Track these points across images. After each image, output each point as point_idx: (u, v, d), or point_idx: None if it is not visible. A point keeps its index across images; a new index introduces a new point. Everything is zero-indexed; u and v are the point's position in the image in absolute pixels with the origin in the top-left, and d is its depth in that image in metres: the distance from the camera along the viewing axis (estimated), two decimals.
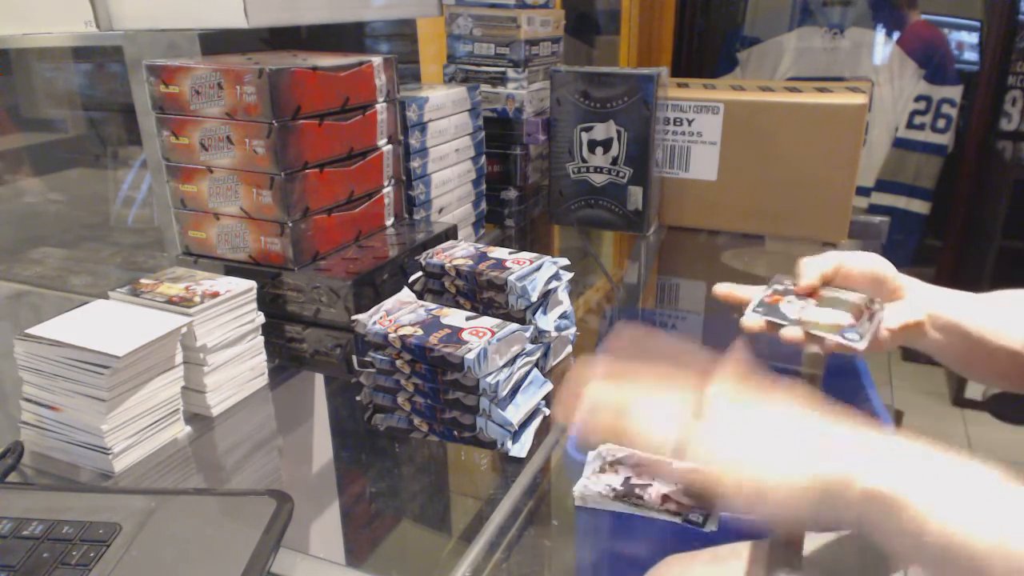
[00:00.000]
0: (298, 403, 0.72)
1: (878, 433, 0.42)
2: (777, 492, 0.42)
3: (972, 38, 2.25)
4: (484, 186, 1.12)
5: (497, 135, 1.15)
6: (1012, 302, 0.60)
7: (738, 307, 0.62)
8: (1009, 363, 0.57)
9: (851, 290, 0.62)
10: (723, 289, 0.62)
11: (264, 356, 0.71)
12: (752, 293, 0.62)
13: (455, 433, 0.61)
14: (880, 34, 2.15)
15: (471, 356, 0.56)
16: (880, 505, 0.39)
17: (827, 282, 0.62)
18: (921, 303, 0.59)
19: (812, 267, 0.61)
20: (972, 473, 0.40)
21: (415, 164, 0.93)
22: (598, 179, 1.10)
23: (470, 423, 0.60)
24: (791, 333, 0.56)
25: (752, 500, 0.42)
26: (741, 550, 0.51)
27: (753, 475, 0.43)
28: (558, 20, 1.22)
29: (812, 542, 0.52)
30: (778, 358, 0.78)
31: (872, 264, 0.61)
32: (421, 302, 0.67)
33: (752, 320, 0.58)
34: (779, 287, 0.63)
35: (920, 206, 2.19)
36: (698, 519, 0.52)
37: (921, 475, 0.39)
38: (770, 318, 0.59)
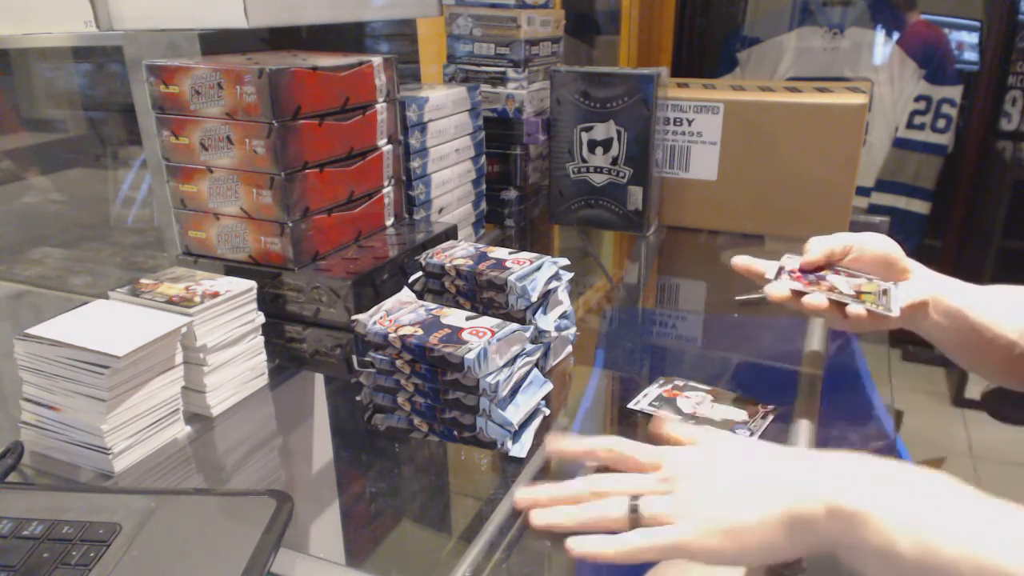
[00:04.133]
0: (298, 403, 0.72)
1: (839, 455, 0.42)
2: (753, 535, 0.41)
3: (972, 38, 2.25)
4: (484, 186, 1.12)
5: (497, 135, 1.15)
6: (1013, 295, 0.60)
7: (754, 281, 0.66)
8: (1006, 354, 0.57)
9: (857, 273, 0.63)
10: (742, 262, 0.64)
11: (264, 356, 0.71)
12: (768, 266, 0.64)
13: (455, 433, 0.61)
14: (880, 34, 2.15)
15: (471, 356, 0.56)
16: (846, 523, 0.38)
17: (835, 261, 0.63)
18: (925, 285, 0.60)
19: (818, 245, 0.63)
20: (937, 485, 0.39)
21: (415, 164, 0.93)
22: (598, 179, 1.10)
23: (470, 423, 0.60)
24: (815, 300, 0.59)
25: (731, 550, 0.42)
26: None
27: (727, 525, 0.42)
28: (558, 20, 1.22)
29: None
30: (778, 358, 0.78)
31: (883, 246, 0.63)
32: (421, 302, 0.67)
33: (776, 289, 0.61)
34: (678, 383, 0.70)
35: (920, 206, 2.20)
36: None
37: (884, 489, 0.39)
38: (665, 412, 0.65)
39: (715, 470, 0.46)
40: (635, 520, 0.46)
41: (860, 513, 0.38)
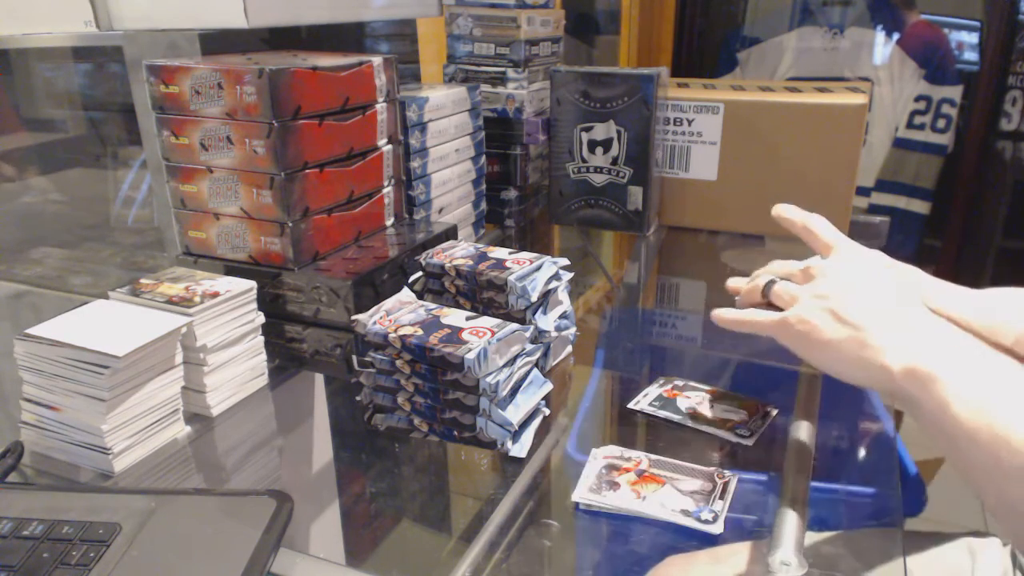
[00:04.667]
0: (298, 403, 0.72)
1: (941, 323, 0.48)
2: (837, 351, 0.50)
3: (972, 38, 2.25)
4: (484, 186, 1.12)
5: (497, 135, 1.15)
6: (1006, 299, 0.60)
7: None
8: None
9: None
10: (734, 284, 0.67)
11: (264, 356, 0.71)
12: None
13: (455, 433, 0.61)
14: (880, 34, 2.15)
15: (471, 356, 0.56)
16: (916, 381, 0.45)
17: None
18: None
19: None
20: (1010, 366, 0.44)
21: (415, 164, 0.93)
22: (598, 179, 1.10)
23: (470, 423, 0.60)
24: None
25: (810, 349, 0.53)
26: (741, 551, 0.51)
27: (821, 336, 0.51)
28: (558, 20, 1.22)
29: (812, 541, 0.52)
30: (778, 358, 0.78)
31: None
32: (421, 302, 0.67)
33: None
34: (678, 383, 0.71)
35: (920, 206, 2.19)
36: (709, 517, 0.52)
37: (961, 361, 0.45)
38: (665, 414, 0.66)
39: (840, 289, 0.52)
40: (766, 295, 0.58)
41: (930, 375, 0.44)
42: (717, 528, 0.52)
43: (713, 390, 0.69)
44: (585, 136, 1.08)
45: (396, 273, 0.80)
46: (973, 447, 0.42)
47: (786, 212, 0.63)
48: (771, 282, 0.58)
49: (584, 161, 1.09)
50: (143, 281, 0.69)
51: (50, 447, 0.60)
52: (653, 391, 0.69)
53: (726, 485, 0.56)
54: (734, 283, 0.66)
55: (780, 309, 0.57)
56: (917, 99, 2.12)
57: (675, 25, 2.42)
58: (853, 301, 0.51)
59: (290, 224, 0.74)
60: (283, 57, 0.81)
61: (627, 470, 0.58)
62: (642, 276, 1.05)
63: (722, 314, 0.61)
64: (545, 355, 0.72)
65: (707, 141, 1.10)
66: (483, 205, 1.12)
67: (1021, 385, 0.43)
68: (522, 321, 0.69)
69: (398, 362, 0.61)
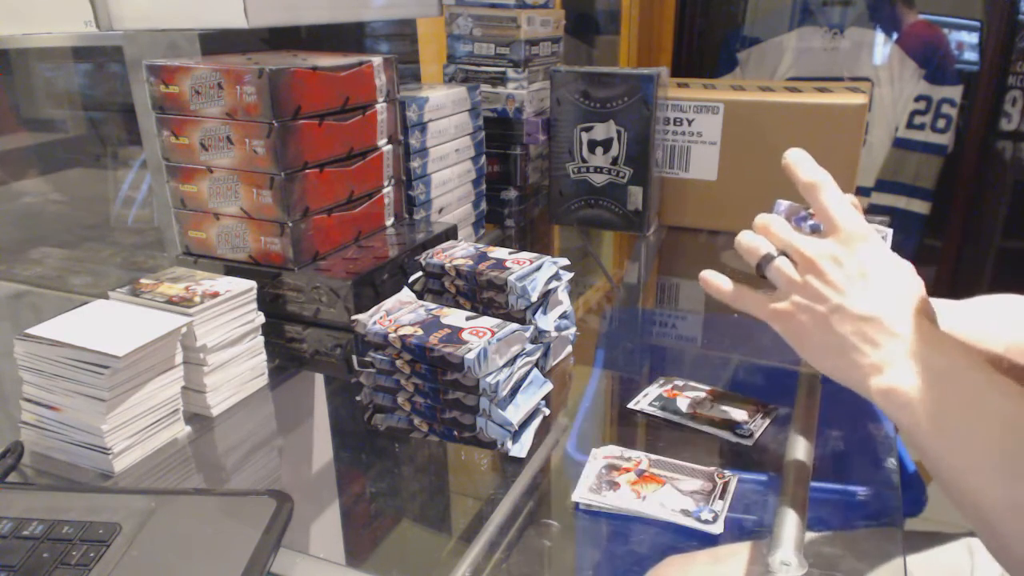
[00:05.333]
0: (298, 403, 0.72)
1: (929, 336, 0.47)
2: (822, 351, 0.51)
3: (972, 38, 2.25)
4: (484, 186, 1.12)
5: (497, 135, 1.15)
6: (993, 307, 0.60)
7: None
8: (994, 368, 0.57)
9: None
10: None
11: (264, 356, 0.71)
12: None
13: (455, 433, 0.61)
14: (880, 34, 2.15)
15: (471, 356, 0.56)
16: (888, 396, 0.46)
17: None
18: None
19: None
20: (982, 385, 0.44)
21: (415, 164, 0.93)
22: (598, 179, 1.10)
23: (470, 423, 0.60)
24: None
25: (796, 342, 0.53)
26: (741, 551, 0.51)
27: (807, 335, 0.51)
28: (558, 20, 1.22)
29: (812, 541, 0.52)
30: (778, 358, 0.78)
31: None
32: (421, 302, 0.67)
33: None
34: (678, 383, 0.71)
35: (920, 206, 2.19)
36: (709, 517, 0.52)
37: (931, 379, 0.45)
38: (665, 414, 0.66)
39: (839, 293, 0.50)
40: (759, 269, 0.55)
41: (906, 399, 0.45)
42: (717, 528, 0.52)
43: (713, 390, 0.69)
44: (585, 136, 1.08)
45: (396, 273, 0.80)
46: (942, 465, 0.44)
47: (795, 163, 0.59)
48: (769, 256, 0.55)
49: (584, 161, 1.09)
50: (143, 281, 0.69)
51: (50, 447, 0.60)
52: (653, 391, 0.69)
53: (726, 485, 0.56)
54: (711, 277, 0.60)
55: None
56: (917, 99, 2.12)
57: (675, 25, 2.42)
58: (848, 311, 0.50)
59: (290, 224, 0.74)
60: (283, 57, 0.81)
61: (627, 470, 0.58)
62: (642, 276, 1.05)
63: (715, 281, 0.58)
64: (545, 355, 0.72)
65: (707, 141, 1.10)
66: (483, 205, 1.12)
67: (991, 409, 0.43)
68: (522, 321, 0.69)
69: (398, 362, 0.61)
